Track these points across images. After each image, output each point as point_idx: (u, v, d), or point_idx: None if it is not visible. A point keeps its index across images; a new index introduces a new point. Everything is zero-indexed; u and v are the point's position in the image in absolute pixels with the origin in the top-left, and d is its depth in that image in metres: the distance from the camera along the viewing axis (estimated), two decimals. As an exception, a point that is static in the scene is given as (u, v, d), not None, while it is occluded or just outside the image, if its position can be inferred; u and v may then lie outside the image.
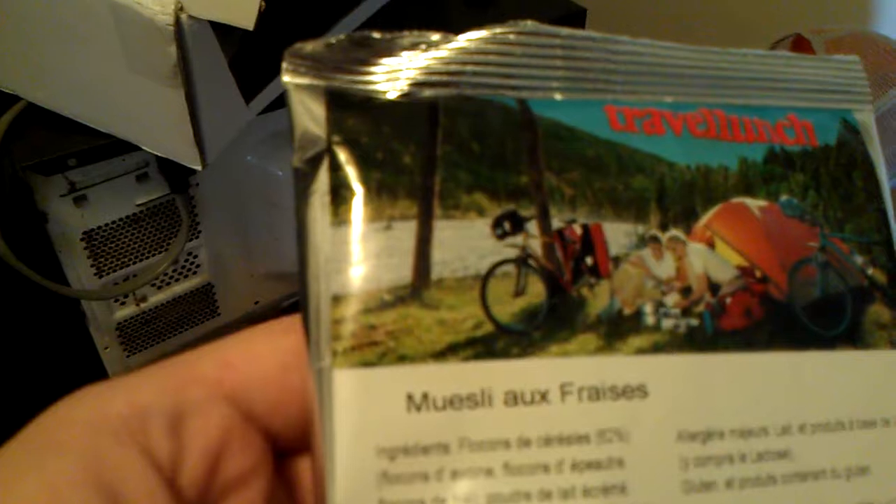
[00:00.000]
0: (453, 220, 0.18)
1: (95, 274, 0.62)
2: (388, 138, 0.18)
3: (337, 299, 0.17)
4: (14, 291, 0.60)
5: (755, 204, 0.20)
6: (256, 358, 0.18)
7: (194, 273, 0.69)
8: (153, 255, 0.64)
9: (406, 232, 0.17)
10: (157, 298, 0.68)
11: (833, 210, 0.20)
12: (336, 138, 0.17)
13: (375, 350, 0.17)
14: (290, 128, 0.18)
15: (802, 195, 0.20)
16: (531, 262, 0.18)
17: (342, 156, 0.17)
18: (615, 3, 0.87)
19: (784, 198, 0.20)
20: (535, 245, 0.18)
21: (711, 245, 0.19)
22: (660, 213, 0.19)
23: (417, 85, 0.18)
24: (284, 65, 0.18)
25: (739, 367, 0.18)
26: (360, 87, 0.18)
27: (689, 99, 0.20)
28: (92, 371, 0.69)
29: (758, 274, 0.19)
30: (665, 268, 0.19)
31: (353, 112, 0.18)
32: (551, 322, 0.18)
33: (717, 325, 0.19)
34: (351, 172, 0.17)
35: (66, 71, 0.53)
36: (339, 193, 0.17)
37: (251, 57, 0.55)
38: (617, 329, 0.18)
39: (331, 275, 0.17)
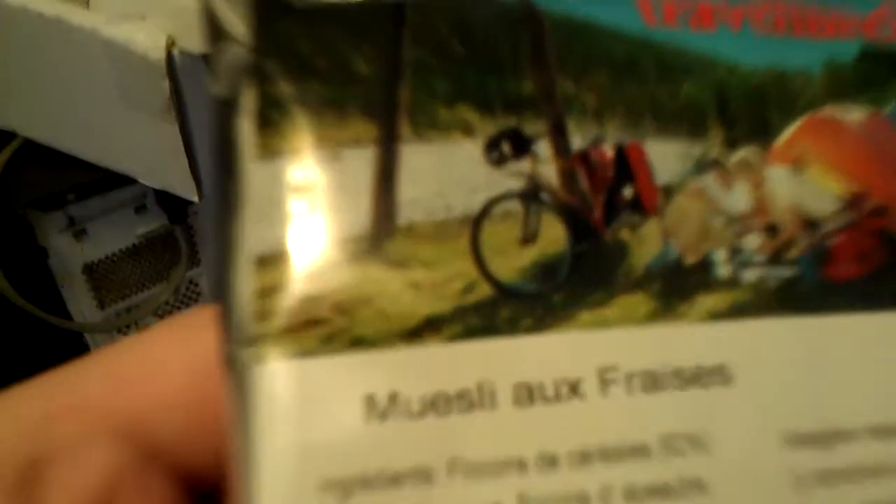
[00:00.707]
0: (429, 144, 0.12)
1: (98, 306, 0.63)
2: (335, 42, 0.13)
3: (263, 261, 0.12)
4: (17, 328, 0.60)
5: (853, 116, 0.14)
6: (161, 369, 0.13)
7: (196, 301, 0.70)
8: (154, 285, 0.65)
9: (361, 162, 0.12)
10: (159, 328, 0.68)
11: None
12: (263, 46, 0.12)
13: (319, 332, 0.11)
14: (207, 48, 0.13)
15: None
16: (543, 195, 0.12)
17: (271, 67, 0.12)
18: None
19: (892, 106, 0.15)
20: (549, 172, 0.13)
21: (799, 169, 0.14)
22: (723, 129, 0.14)
23: None
24: None
25: (864, 332, 0.13)
26: None
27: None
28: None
29: (870, 204, 0.14)
30: (738, 200, 0.13)
31: (286, 14, 0.13)
32: (578, 279, 0.12)
33: (824, 276, 0.13)
34: (283, 87, 0.12)
35: (62, 107, 0.54)
36: (268, 117, 0.12)
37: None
38: (677, 286, 0.12)
39: (254, 228, 0.12)
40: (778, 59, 0.14)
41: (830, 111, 0.14)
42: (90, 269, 0.61)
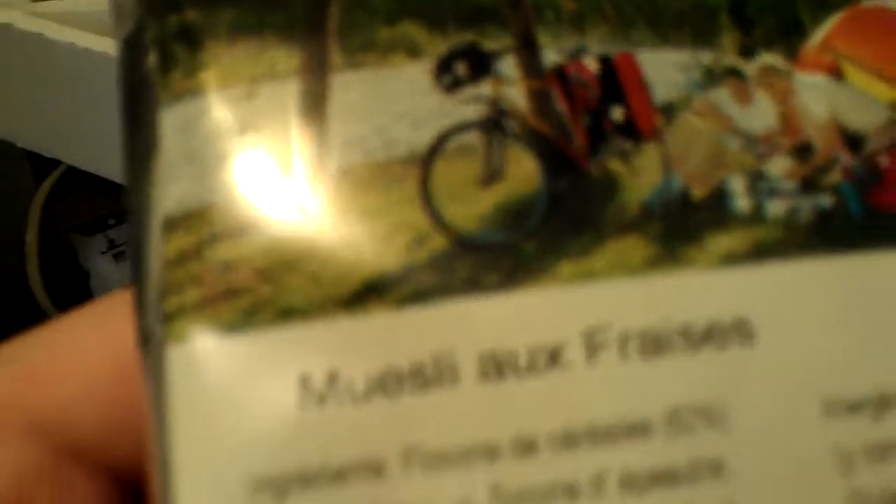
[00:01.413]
0: (365, 70, 0.10)
1: None
2: None
3: (171, 224, 0.10)
4: None
5: None
6: (78, 356, 0.11)
7: None
8: None
9: (281, 98, 0.10)
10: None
11: None
12: None
13: (239, 304, 0.10)
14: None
15: None
16: (509, 123, 0.10)
17: None
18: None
19: None
20: (516, 95, 0.11)
21: (838, 75, 0.11)
22: (738, 32, 0.11)
23: None
24: None
25: None
26: None
27: None
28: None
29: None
30: (759, 116, 0.11)
31: None
32: (556, 224, 0.10)
33: (870, 204, 0.11)
34: (190, 16, 0.11)
35: (105, 136, 0.56)
36: (170, 51, 0.10)
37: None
38: (683, 225, 0.10)
39: (160, 185, 0.10)
40: None
41: (875, 3, 0.12)
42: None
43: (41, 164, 0.61)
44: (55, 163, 0.61)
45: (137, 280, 0.10)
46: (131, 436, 0.11)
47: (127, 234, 0.62)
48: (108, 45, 0.53)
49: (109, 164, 0.58)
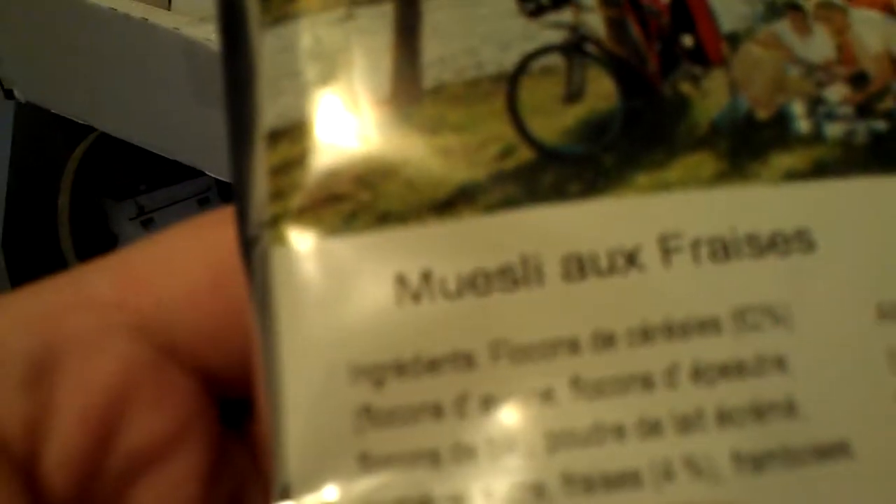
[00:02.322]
0: (445, 8, 0.11)
1: None
2: None
3: (277, 136, 0.11)
4: None
5: None
6: (177, 264, 0.12)
7: None
8: None
9: (378, 20, 0.11)
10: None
11: None
12: None
13: (340, 208, 0.11)
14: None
15: None
16: (589, 47, 0.11)
17: None
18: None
19: None
20: (594, 21, 0.11)
21: (891, 11, 0.12)
22: None
23: None
24: None
25: None
26: None
27: None
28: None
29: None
30: (818, 47, 0.12)
31: None
32: (632, 138, 0.11)
33: None
34: None
35: (138, 103, 0.58)
36: None
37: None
38: (749, 143, 0.11)
39: (265, 101, 0.11)
40: None
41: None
42: None
43: (74, 131, 0.61)
44: (88, 129, 0.61)
45: (240, 190, 0.11)
46: (224, 338, 0.12)
47: (156, 202, 0.64)
48: (146, 11, 0.54)
49: (142, 131, 0.60)
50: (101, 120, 0.60)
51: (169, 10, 0.56)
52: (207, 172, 0.59)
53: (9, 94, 0.60)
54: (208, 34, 0.51)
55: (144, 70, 0.56)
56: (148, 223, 0.63)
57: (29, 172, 0.67)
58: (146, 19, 0.53)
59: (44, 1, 0.57)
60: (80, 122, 0.60)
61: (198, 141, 0.58)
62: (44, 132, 0.66)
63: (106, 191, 0.62)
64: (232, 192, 0.11)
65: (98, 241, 0.62)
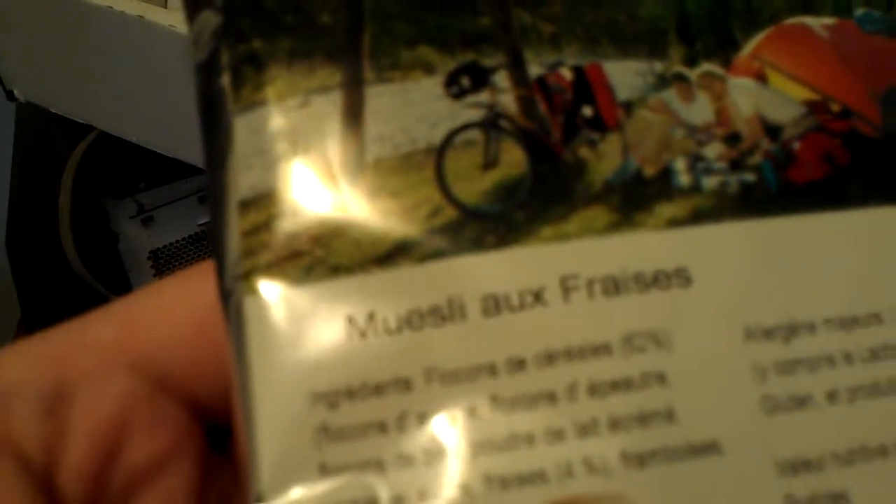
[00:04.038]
0: (391, 84, 0.14)
1: None
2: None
3: (245, 205, 0.13)
4: (88, 307, 0.63)
5: (820, 23, 0.15)
6: (167, 311, 0.15)
7: None
8: None
9: (329, 106, 0.14)
10: (217, 313, 0.71)
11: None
12: (234, 10, 0.14)
13: (299, 263, 0.13)
14: (186, 21, 0.15)
15: (886, 5, 0.15)
16: (503, 122, 0.14)
17: (243, 27, 0.14)
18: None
19: (860, 11, 0.15)
20: (508, 100, 0.14)
21: (763, 78, 0.15)
22: (683, 46, 0.15)
23: None
24: None
25: (824, 231, 0.14)
26: None
27: None
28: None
29: (835, 108, 0.14)
30: (699, 111, 0.14)
31: None
32: (539, 197, 0.14)
33: (785, 178, 0.14)
34: (254, 43, 0.14)
35: (137, 101, 0.59)
36: (242, 71, 0.14)
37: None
38: (637, 196, 0.14)
39: (237, 174, 0.14)
40: None
41: (795, 21, 0.15)
42: (155, 255, 0.65)
43: (74, 130, 0.62)
44: (88, 128, 0.62)
45: (218, 248, 0.14)
46: (209, 373, 0.15)
47: (157, 200, 0.65)
48: (142, 9, 0.54)
49: (141, 129, 0.60)
50: (100, 119, 0.61)
51: (165, 7, 0.56)
52: (204, 169, 0.60)
53: (10, 96, 0.61)
54: None
55: (142, 68, 0.57)
56: (148, 221, 0.64)
57: (30, 172, 0.68)
58: (142, 17, 0.54)
59: (42, 0, 0.57)
60: (79, 121, 0.61)
61: (196, 138, 0.59)
62: (44, 132, 0.67)
63: (106, 189, 0.63)
64: (211, 249, 0.14)
65: (99, 239, 0.63)
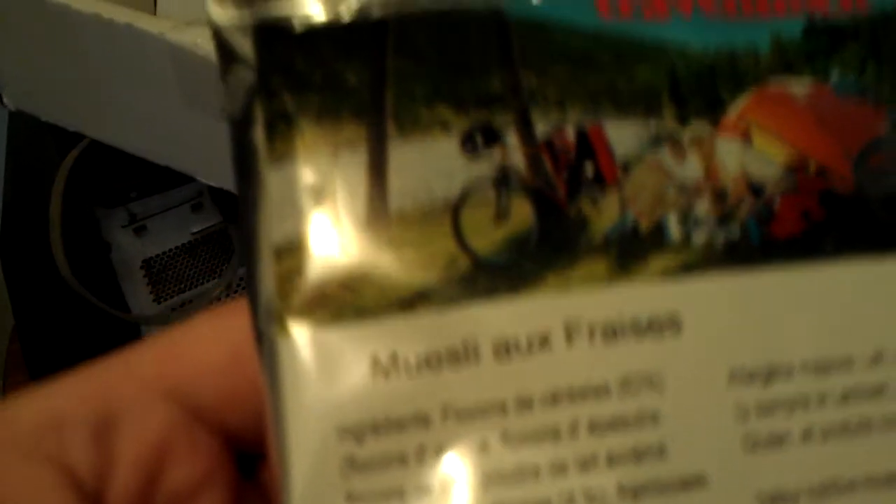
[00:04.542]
0: (412, 141, 0.15)
1: (154, 300, 0.67)
2: (328, 59, 0.15)
3: (278, 252, 0.15)
4: (80, 318, 0.65)
5: (799, 87, 0.17)
6: (202, 346, 0.16)
7: None
8: (208, 280, 0.69)
9: (355, 161, 0.15)
10: (213, 322, 0.71)
11: (901, 85, 0.17)
12: (268, 70, 0.15)
13: (329, 307, 0.14)
14: (220, 76, 0.16)
15: (859, 70, 0.17)
16: (513, 179, 0.15)
17: (275, 86, 0.15)
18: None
19: (836, 76, 0.17)
20: (517, 158, 0.15)
21: (748, 139, 0.16)
22: (675, 107, 0.16)
23: (365, 6, 0.16)
24: (210, 5, 0.16)
25: (802, 282, 0.15)
26: (293, 12, 0.16)
27: None
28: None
29: (812, 167, 0.16)
30: (689, 170, 0.16)
31: (285, 40, 0.15)
32: (545, 249, 0.15)
33: (767, 233, 0.15)
34: (286, 101, 0.15)
35: (128, 109, 0.59)
36: (275, 127, 0.15)
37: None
38: (633, 249, 0.15)
39: (271, 223, 0.15)
40: (728, 39, 0.16)
41: (777, 84, 0.16)
42: (148, 264, 0.65)
43: (65, 139, 0.62)
44: (79, 137, 0.61)
45: (252, 290, 0.15)
46: (239, 404, 0.16)
47: (149, 209, 0.65)
48: (130, 17, 0.54)
49: (132, 137, 0.60)
50: (91, 127, 0.61)
51: (154, 14, 0.57)
52: (198, 178, 0.59)
53: (-1, 103, 0.60)
54: (195, 39, 0.51)
55: (132, 76, 0.56)
56: (140, 230, 0.64)
57: (21, 181, 0.68)
58: (131, 24, 0.53)
59: (29, 9, 0.57)
60: (70, 129, 0.61)
61: (188, 146, 0.58)
62: (35, 140, 0.67)
63: (97, 199, 0.63)
64: (246, 291, 0.15)
65: (90, 249, 0.63)
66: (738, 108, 0.16)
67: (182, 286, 0.68)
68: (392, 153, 0.15)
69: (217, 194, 0.64)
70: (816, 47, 0.17)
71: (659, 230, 0.15)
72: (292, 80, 0.15)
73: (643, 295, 0.15)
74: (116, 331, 0.66)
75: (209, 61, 0.52)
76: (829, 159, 0.16)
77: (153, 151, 0.60)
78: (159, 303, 0.67)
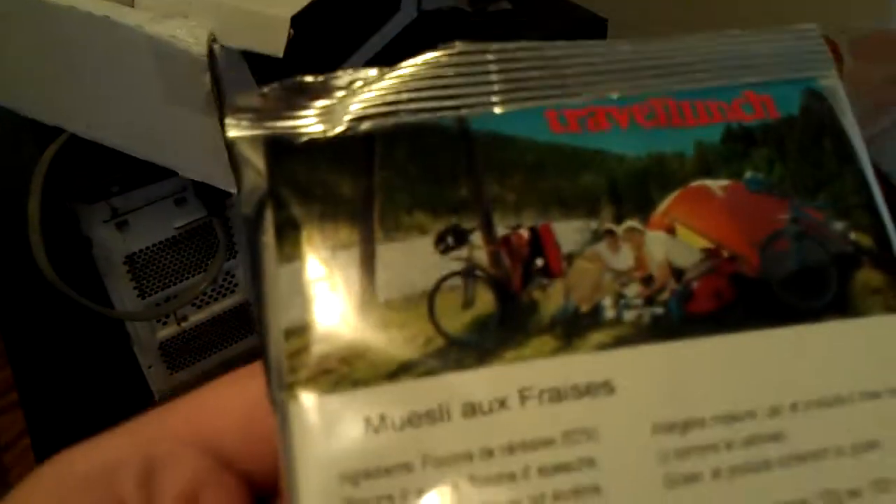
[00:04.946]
0: (395, 242, 0.19)
1: (138, 296, 0.69)
2: (327, 173, 0.19)
3: (289, 333, 0.19)
4: (62, 316, 0.67)
5: (717, 185, 0.21)
6: (225, 404, 0.20)
7: (232, 292, 0.76)
8: (192, 275, 0.72)
9: (349, 258, 0.19)
10: (197, 318, 0.73)
11: (803, 180, 0.21)
12: (277, 181, 0.19)
13: (330, 378, 0.19)
14: (236, 179, 0.20)
15: (768, 169, 0.21)
16: (478, 272, 0.19)
17: (283, 196, 0.19)
18: (636, 12, 0.89)
19: (748, 174, 0.21)
20: (481, 255, 0.19)
21: (672, 231, 0.20)
22: (613, 207, 0.20)
23: (354, 121, 0.20)
24: (227, 120, 0.20)
25: (714, 350, 0.20)
26: (298, 130, 0.20)
27: (635, 91, 0.21)
28: (137, 390, 0.74)
29: (725, 254, 0.20)
30: (623, 259, 0.20)
31: (291, 155, 0.20)
32: (504, 329, 0.19)
33: (685, 311, 0.20)
34: (292, 210, 0.19)
35: (107, 103, 0.60)
36: (284, 232, 0.19)
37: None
38: (574, 327, 0.19)
39: (281, 310, 0.19)
40: (657, 146, 0.21)
41: (699, 184, 0.21)
42: (131, 260, 0.67)
43: (44, 133, 0.63)
44: (58, 131, 0.63)
45: (266, 364, 0.19)
46: (257, 455, 0.20)
47: (131, 204, 0.66)
48: (107, 9, 0.56)
49: (111, 131, 0.62)
50: (70, 121, 0.62)
51: (133, 6, 0.57)
52: (180, 172, 0.61)
53: (-25, 98, 0.60)
54: (173, 31, 0.53)
55: (111, 69, 0.58)
56: (122, 225, 0.65)
57: None
58: (108, 17, 0.55)
59: (6, 2, 0.58)
60: (49, 123, 0.62)
61: (168, 141, 0.60)
62: (13, 135, 0.68)
63: (77, 194, 0.64)
64: (261, 362, 0.19)
65: (71, 245, 0.65)
66: (665, 205, 0.20)
67: (166, 281, 0.70)
68: (379, 252, 0.19)
69: (200, 188, 0.65)
70: (733, 151, 0.21)
71: (596, 311, 0.19)
72: (298, 192, 0.19)
73: (583, 365, 0.19)
74: (100, 327, 0.69)
75: (189, 54, 0.54)
76: (739, 247, 0.20)
77: (134, 146, 0.62)
78: (143, 298, 0.69)
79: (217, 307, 0.75)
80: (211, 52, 0.54)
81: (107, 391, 0.74)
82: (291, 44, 0.53)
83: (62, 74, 0.60)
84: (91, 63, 0.58)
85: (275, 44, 0.53)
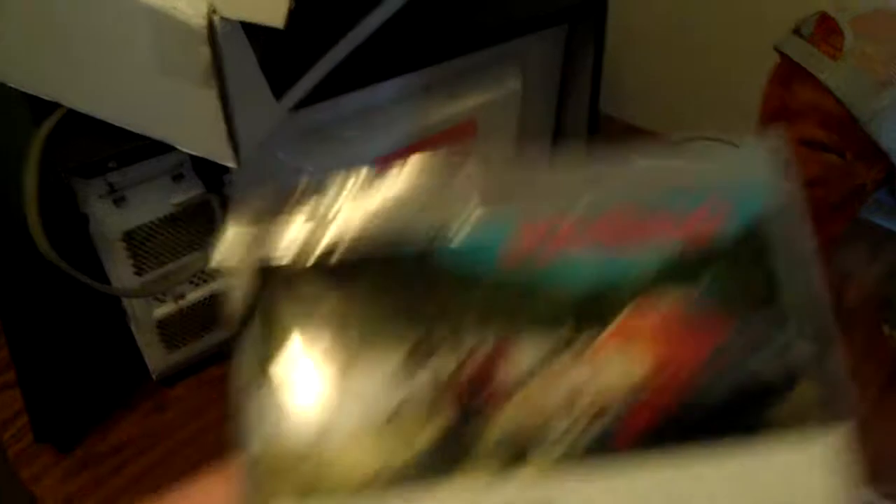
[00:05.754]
0: (362, 364, 0.22)
1: (135, 273, 0.70)
2: (305, 296, 0.22)
3: (265, 446, 0.22)
4: (59, 291, 0.69)
5: (669, 301, 0.23)
6: (211, 493, 0.24)
7: None
8: (189, 252, 0.73)
9: (322, 379, 0.22)
10: (194, 295, 0.75)
11: (749, 297, 0.24)
12: (262, 303, 0.22)
13: (300, 491, 0.22)
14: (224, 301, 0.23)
15: (718, 286, 0.24)
16: (435, 396, 0.22)
17: (268, 317, 0.22)
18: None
19: (697, 292, 0.24)
20: (442, 376, 0.22)
21: (624, 347, 0.23)
22: (567, 328, 0.23)
23: (324, 255, 0.23)
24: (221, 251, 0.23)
25: (654, 465, 0.22)
26: (279, 258, 0.23)
27: (595, 211, 0.23)
28: (134, 369, 0.78)
29: (671, 370, 0.23)
30: (574, 376, 0.23)
31: (275, 279, 0.23)
32: (455, 450, 0.22)
33: (627, 428, 0.23)
34: (273, 333, 0.22)
35: (104, 77, 0.61)
36: (262, 353, 0.22)
37: (281, 55, 0.62)
38: (518, 449, 0.22)
39: (258, 425, 0.22)
40: (618, 264, 0.23)
41: (652, 300, 0.23)
42: (128, 236, 0.67)
43: (40, 107, 0.63)
44: (54, 106, 0.63)
45: (244, 475, 0.22)
46: None
47: (128, 180, 0.65)
48: None
49: (110, 107, 0.62)
50: (67, 96, 0.63)
51: None
52: (178, 147, 0.61)
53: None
54: (173, 2, 0.54)
55: (109, 42, 0.59)
56: (120, 201, 0.65)
57: None
58: None
59: None
60: (45, 98, 0.63)
61: (166, 115, 0.61)
62: (8, 109, 0.68)
63: (74, 169, 0.64)
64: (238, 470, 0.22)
65: (67, 221, 0.65)
66: (615, 325, 0.23)
67: (163, 258, 0.71)
68: (348, 373, 0.22)
69: (199, 164, 0.66)
70: (687, 268, 0.23)
71: (542, 431, 0.22)
72: (281, 316, 0.22)
73: (526, 485, 0.22)
74: (97, 306, 0.70)
75: (188, 25, 0.55)
76: (685, 362, 0.23)
77: (131, 120, 0.63)
78: (141, 275, 0.70)
79: (215, 285, 0.77)
80: (210, 23, 0.54)
81: (104, 370, 0.77)
82: (293, 14, 0.53)
83: (58, 48, 0.61)
84: (88, 36, 0.59)
85: (276, 15, 0.53)
